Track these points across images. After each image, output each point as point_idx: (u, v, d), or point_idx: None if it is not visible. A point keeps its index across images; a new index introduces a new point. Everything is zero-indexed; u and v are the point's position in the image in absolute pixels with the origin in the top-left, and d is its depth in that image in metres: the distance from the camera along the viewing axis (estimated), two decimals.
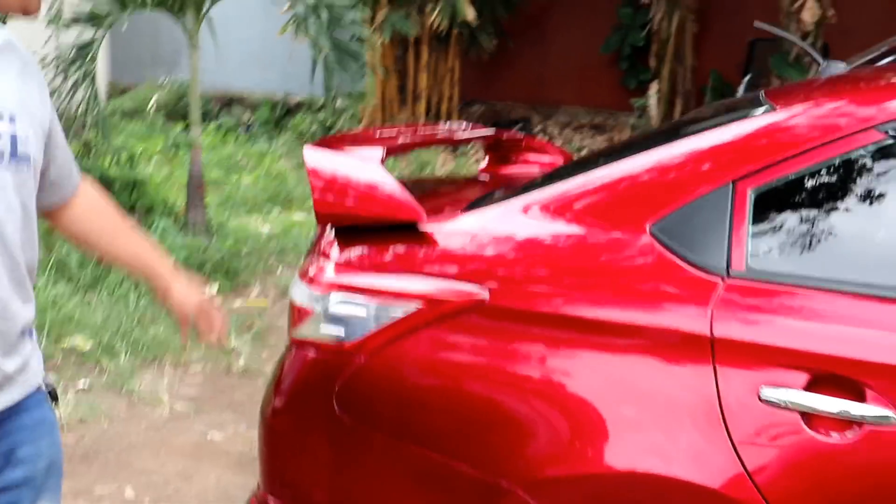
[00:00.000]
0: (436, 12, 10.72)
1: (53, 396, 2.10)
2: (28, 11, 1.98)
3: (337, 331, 2.44)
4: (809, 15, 11.16)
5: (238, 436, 4.63)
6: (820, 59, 2.81)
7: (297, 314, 2.53)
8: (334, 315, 2.45)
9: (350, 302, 2.43)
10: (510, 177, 3.29)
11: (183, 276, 2.32)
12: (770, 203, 2.22)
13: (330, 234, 2.57)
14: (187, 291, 2.30)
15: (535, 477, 2.23)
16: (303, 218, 8.54)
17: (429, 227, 2.43)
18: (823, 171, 2.23)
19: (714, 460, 2.11)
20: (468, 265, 2.38)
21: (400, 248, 2.45)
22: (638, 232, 2.27)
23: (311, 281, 2.50)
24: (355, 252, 2.49)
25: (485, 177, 3.45)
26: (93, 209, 2.23)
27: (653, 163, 2.35)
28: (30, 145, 1.93)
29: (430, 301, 2.35)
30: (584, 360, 2.23)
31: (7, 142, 1.87)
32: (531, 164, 3.47)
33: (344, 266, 2.48)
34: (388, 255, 2.46)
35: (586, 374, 2.23)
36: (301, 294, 2.53)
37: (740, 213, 2.20)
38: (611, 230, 2.30)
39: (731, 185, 2.23)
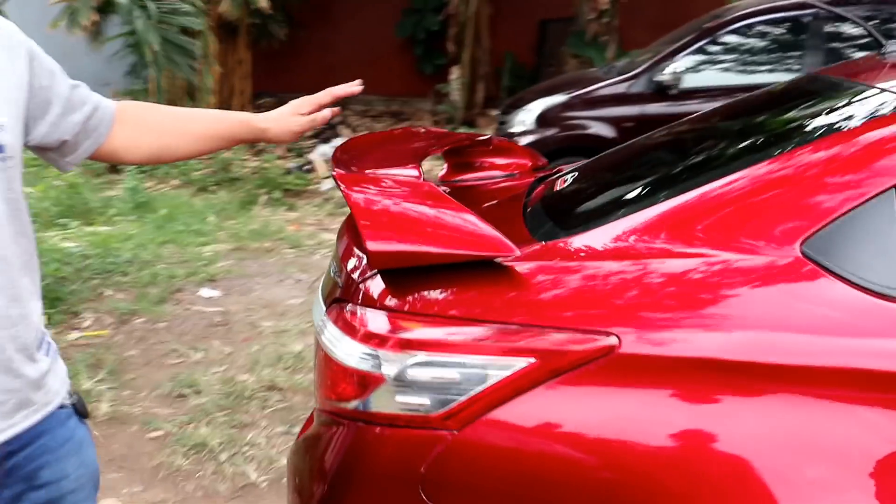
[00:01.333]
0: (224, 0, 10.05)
1: (82, 412, 1.96)
2: None
3: (420, 400, 1.95)
4: None
5: (136, 499, 3.96)
6: (883, 40, 2.53)
7: (351, 381, 2.02)
8: (415, 381, 1.95)
9: (436, 363, 1.95)
10: (480, 185, 2.87)
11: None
12: None
13: (375, 277, 2.07)
14: (279, 116, 2.16)
15: None
16: (111, 231, 7.74)
17: (523, 263, 1.98)
18: None
19: None
20: (588, 307, 1.94)
21: (492, 291, 1.98)
22: (787, 253, 1.90)
23: (373, 339, 2.00)
24: (430, 299, 2.00)
25: (445, 188, 3.00)
26: (142, 113, 2.07)
27: (787, 170, 1.99)
28: (7, 133, 1.75)
29: (544, 354, 1.89)
30: (750, 412, 1.84)
31: None
32: (496, 169, 3.06)
33: (421, 318, 1.99)
34: (479, 301, 1.99)
35: (756, 430, 1.84)
36: (354, 355, 2.02)
37: None
38: (752, 253, 1.92)
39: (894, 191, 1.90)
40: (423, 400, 1.96)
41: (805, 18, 7.81)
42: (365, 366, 2.01)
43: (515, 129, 8.24)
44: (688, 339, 1.88)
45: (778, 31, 8.00)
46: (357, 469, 2.03)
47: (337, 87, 2.23)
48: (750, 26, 7.90)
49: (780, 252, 1.91)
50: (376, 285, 2.06)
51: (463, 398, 1.93)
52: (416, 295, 2.01)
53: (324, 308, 2.26)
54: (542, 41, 12.78)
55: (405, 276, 2.03)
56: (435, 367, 1.95)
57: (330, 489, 2.07)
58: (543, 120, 8.16)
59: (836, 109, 2.18)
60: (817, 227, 1.91)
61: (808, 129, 2.23)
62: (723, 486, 1.83)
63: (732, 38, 7.95)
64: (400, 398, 1.97)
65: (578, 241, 2.06)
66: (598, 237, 2.05)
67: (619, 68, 8.59)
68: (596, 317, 1.92)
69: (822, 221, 1.91)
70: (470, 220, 2.04)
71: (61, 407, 1.90)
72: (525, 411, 1.91)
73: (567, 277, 1.99)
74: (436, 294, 2.00)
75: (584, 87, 8.16)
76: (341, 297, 2.16)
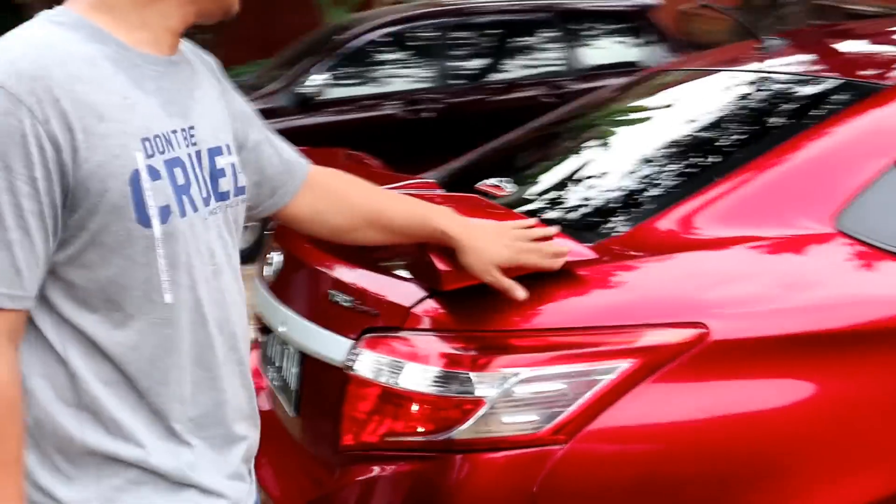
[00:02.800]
0: None
1: None
2: (230, 13, 1.57)
3: (528, 418, 1.88)
4: None
5: None
6: (758, 35, 2.76)
7: (439, 411, 1.89)
8: (521, 399, 1.87)
9: (541, 377, 1.88)
10: None
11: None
12: None
13: (438, 298, 1.95)
14: (486, 240, 1.83)
15: None
16: None
17: (594, 269, 1.97)
18: None
19: None
20: (672, 300, 1.97)
21: (573, 297, 1.95)
22: (825, 229, 2.06)
23: (460, 362, 1.88)
24: (511, 314, 1.92)
25: None
26: (334, 184, 1.86)
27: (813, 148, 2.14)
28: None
29: (641, 352, 1.90)
30: (834, 379, 1.97)
31: (231, 176, 1.56)
32: None
33: (511, 335, 1.91)
34: (563, 309, 1.94)
35: (838, 394, 1.97)
36: (437, 383, 1.89)
37: None
38: (795, 229, 2.06)
39: None
40: (530, 417, 1.88)
41: (436, 27, 8.20)
42: (454, 392, 1.89)
43: None
44: (771, 318, 1.96)
45: (410, 39, 8.32)
46: (462, 502, 1.90)
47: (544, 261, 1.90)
48: (386, 36, 8.15)
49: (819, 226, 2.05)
50: (445, 307, 1.94)
51: (571, 409, 1.88)
52: (494, 312, 1.92)
53: (326, 338, 2.10)
54: None
55: (471, 295, 1.93)
56: (540, 382, 1.88)
57: None
58: None
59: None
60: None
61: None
62: (831, 453, 1.94)
63: (369, 49, 8.15)
64: (507, 419, 1.88)
65: (632, 238, 2.07)
66: (652, 232, 2.07)
67: (249, 84, 8.47)
68: (682, 309, 1.95)
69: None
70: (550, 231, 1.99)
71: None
72: (629, 413, 1.90)
73: (642, 274, 2.00)
74: (515, 309, 1.92)
75: None
76: (387, 324, 2.01)
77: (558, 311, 1.94)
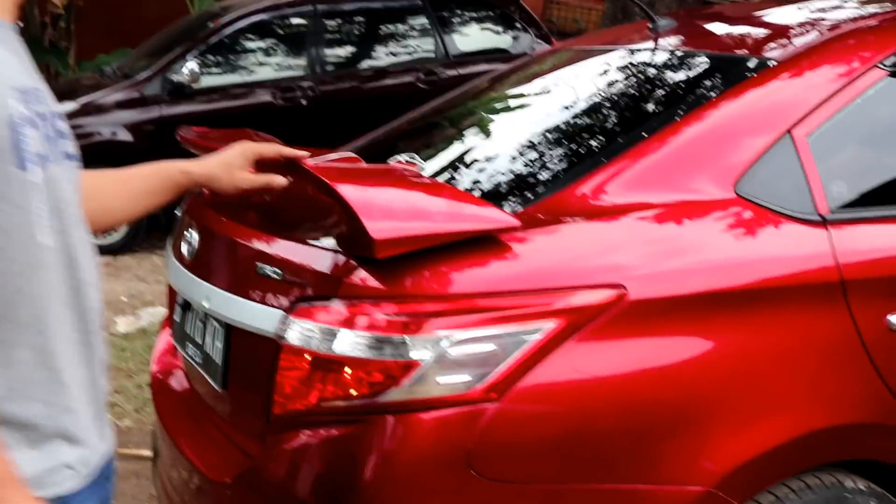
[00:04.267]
0: None
1: None
2: None
3: (461, 378, 1.97)
4: None
5: None
6: (654, 17, 2.90)
7: (374, 374, 1.97)
8: (455, 360, 1.96)
9: (472, 339, 1.97)
10: None
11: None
12: (830, 146, 2.31)
13: (370, 266, 2.02)
14: (225, 165, 2.04)
15: (728, 469, 2.08)
16: None
17: (517, 232, 2.06)
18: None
19: (870, 395, 2.19)
20: (592, 264, 2.08)
21: (501, 263, 2.04)
22: (726, 194, 2.20)
23: (393, 327, 1.96)
24: (443, 280, 2.01)
25: None
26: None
27: (708, 122, 2.28)
28: None
29: (565, 313, 2.01)
30: (741, 333, 2.12)
31: (71, 140, 1.61)
32: None
33: (442, 299, 1.99)
34: (492, 275, 2.03)
35: (745, 347, 2.12)
36: (372, 347, 1.97)
37: (808, 159, 2.26)
38: (701, 194, 2.19)
39: (788, 135, 2.27)
40: (464, 377, 1.96)
41: (307, 14, 8.20)
42: (388, 355, 1.96)
43: None
44: (680, 277, 2.10)
45: (282, 27, 8.30)
46: (398, 461, 1.97)
47: (286, 149, 2.12)
48: (257, 24, 8.10)
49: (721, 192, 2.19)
50: (377, 274, 2.01)
51: (501, 368, 1.97)
52: (426, 278, 2.00)
53: (256, 310, 2.15)
54: None
55: (401, 262, 2.00)
56: (472, 344, 1.97)
57: (364, 494, 1.98)
58: None
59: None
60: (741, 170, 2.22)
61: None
62: (734, 402, 2.08)
63: (242, 36, 8.10)
64: (441, 379, 1.96)
65: (550, 205, 2.17)
66: (569, 200, 2.18)
67: (117, 72, 8.32)
68: (602, 271, 2.06)
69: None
70: (460, 198, 2.07)
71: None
72: (555, 371, 2.00)
73: (563, 239, 2.10)
74: (446, 274, 2.01)
75: (90, 93, 7.80)
76: (318, 293, 2.06)
77: (486, 276, 2.02)
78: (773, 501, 2.15)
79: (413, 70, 8.27)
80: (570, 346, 2.01)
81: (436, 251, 2.01)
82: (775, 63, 2.40)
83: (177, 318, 2.71)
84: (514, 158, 2.50)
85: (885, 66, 2.38)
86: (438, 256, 2.01)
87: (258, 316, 2.17)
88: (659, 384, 2.06)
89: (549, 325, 1.99)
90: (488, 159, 2.59)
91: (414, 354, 1.96)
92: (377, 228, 1.94)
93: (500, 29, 8.83)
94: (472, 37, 8.68)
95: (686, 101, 2.37)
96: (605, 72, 2.78)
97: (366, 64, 8.44)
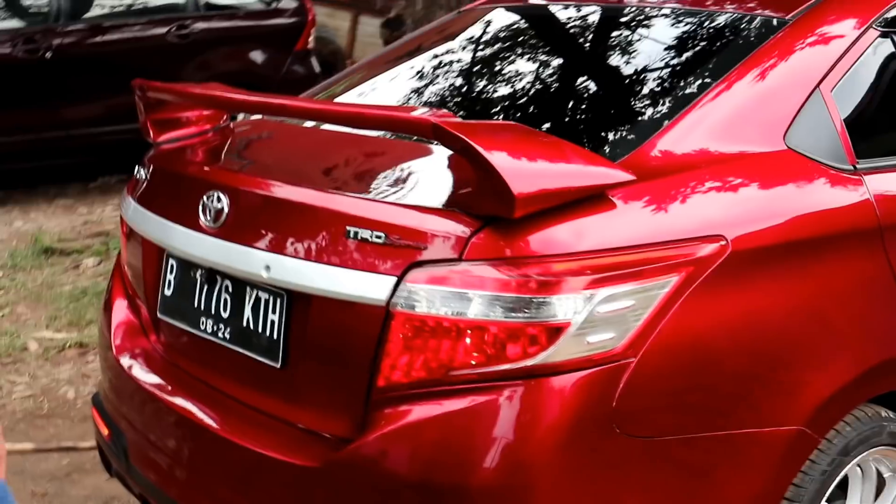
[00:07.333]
0: None
1: None
2: None
3: (607, 335, 1.94)
4: None
5: None
6: None
7: (522, 337, 1.90)
8: (603, 317, 1.93)
9: (615, 295, 1.95)
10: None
11: None
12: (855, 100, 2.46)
13: (499, 226, 1.94)
14: None
15: (813, 407, 2.18)
16: None
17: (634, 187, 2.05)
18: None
19: None
20: (695, 216, 2.10)
21: (626, 218, 2.02)
22: (778, 147, 2.30)
23: (542, 287, 1.90)
24: (576, 236, 1.96)
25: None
26: None
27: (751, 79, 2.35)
28: None
29: (685, 265, 2.02)
30: (813, 279, 2.22)
31: None
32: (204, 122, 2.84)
33: (580, 257, 1.94)
34: (622, 228, 2.01)
35: (817, 291, 2.23)
36: (514, 310, 1.90)
37: (835, 113, 2.39)
38: (758, 147, 2.27)
39: (818, 90, 2.39)
40: (609, 335, 1.93)
41: None
42: (534, 317, 1.90)
43: None
44: (767, 228, 2.17)
45: None
46: (546, 427, 1.91)
47: None
48: None
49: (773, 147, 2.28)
50: (508, 234, 1.92)
51: (639, 324, 1.96)
52: (559, 236, 1.94)
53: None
54: None
55: (528, 222, 1.94)
56: (616, 301, 1.94)
57: (508, 461, 1.91)
58: None
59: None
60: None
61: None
62: (816, 341, 2.20)
63: None
64: (591, 338, 1.92)
65: (636, 159, 2.15)
66: (649, 154, 2.17)
67: None
68: (708, 224, 2.09)
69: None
70: (581, 154, 2.03)
71: None
72: (678, 324, 2.01)
73: (668, 193, 2.10)
74: (579, 231, 1.96)
75: None
76: (437, 257, 1.95)
77: (614, 232, 1.98)
78: (834, 436, 2.28)
79: (164, 23, 7.77)
80: (688, 300, 2.02)
81: (554, 210, 1.95)
82: (793, 21, 2.50)
83: (170, 292, 2.45)
84: (577, 113, 2.47)
85: (880, 25, 2.54)
86: (558, 214, 1.95)
87: (357, 283, 2.01)
88: (759, 330, 2.12)
89: (674, 279, 2.00)
90: (552, 113, 2.53)
91: (562, 314, 1.90)
92: (519, 185, 1.86)
93: None
94: None
95: (723, 58, 2.43)
96: (629, 24, 2.78)
97: (105, 13, 7.79)
